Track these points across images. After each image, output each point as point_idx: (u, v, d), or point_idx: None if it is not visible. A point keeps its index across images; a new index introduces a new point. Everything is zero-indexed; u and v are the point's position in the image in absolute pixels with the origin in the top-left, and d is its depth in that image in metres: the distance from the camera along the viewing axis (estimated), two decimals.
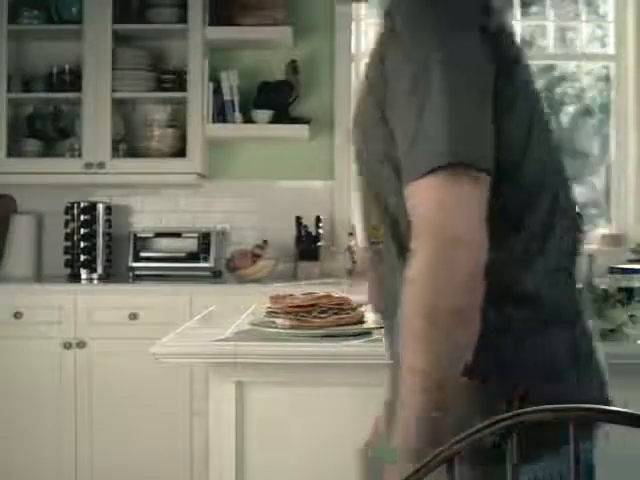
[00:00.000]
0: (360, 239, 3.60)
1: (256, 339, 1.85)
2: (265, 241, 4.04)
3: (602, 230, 4.36)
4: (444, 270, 1.05)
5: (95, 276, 3.95)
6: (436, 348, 1.06)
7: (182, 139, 3.98)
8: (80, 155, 3.94)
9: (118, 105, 4.01)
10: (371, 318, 2.07)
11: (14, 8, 3.95)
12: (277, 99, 4.04)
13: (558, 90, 4.48)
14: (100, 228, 3.98)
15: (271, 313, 1.94)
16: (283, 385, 1.90)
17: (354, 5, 4.26)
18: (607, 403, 1.22)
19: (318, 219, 4.06)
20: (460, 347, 1.07)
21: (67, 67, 4.01)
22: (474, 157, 1.09)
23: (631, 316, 1.89)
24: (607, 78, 4.42)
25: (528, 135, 1.19)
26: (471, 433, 1.03)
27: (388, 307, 1.26)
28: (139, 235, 4.03)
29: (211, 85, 3.98)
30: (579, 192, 4.46)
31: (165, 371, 3.48)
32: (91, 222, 3.96)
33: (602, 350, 1.42)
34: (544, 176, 1.21)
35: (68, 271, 3.97)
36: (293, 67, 4.07)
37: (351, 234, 4.09)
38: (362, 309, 1.98)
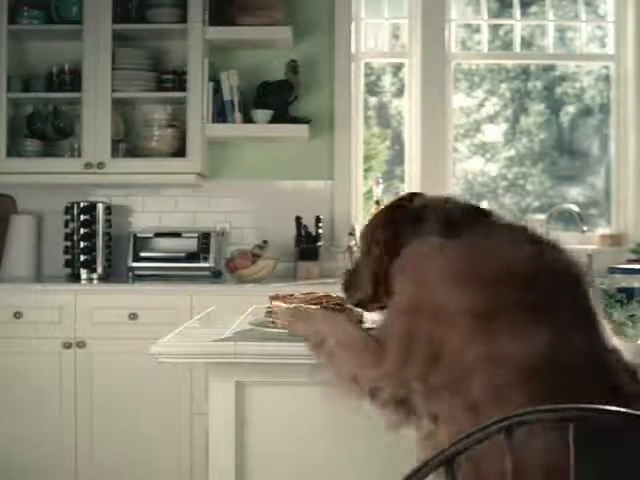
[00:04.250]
0: None
1: (256, 339, 1.85)
2: (265, 241, 4.04)
3: (602, 230, 4.36)
4: None
5: (95, 276, 3.95)
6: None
7: (182, 139, 3.98)
8: (80, 155, 3.94)
9: (118, 105, 4.01)
10: (370, 318, 2.07)
11: (14, 8, 3.95)
12: (277, 99, 4.04)
13: (558, 90, 4.49)
14: (100, 228, 3.98)
15: (271, 313, 1.94)
16: (283, 385, 1.89)
17: (354, 5, 4.26)
18: None
19: (318, 219, 4.06)
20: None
21: (67, 67, 4.01)
22: None
23: (631, 316, 1.89)
24: (607, 78, 4.43)
25: None
26: (471, 433, 1.03)
27: None
28: (139, 235, 4.03)
29: (211, 85, 3.98)
30: (579, 192, 4.46)
31: (165, 371, 3.48)
32: (91, 222, 3.96)
33: None
34: None
35: (68, 271, 3.97)
36: (293, 67, 4.07)
37: (351, 234, 4.09)
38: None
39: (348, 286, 1.78)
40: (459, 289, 1.38)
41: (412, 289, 1.46)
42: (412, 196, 1.67)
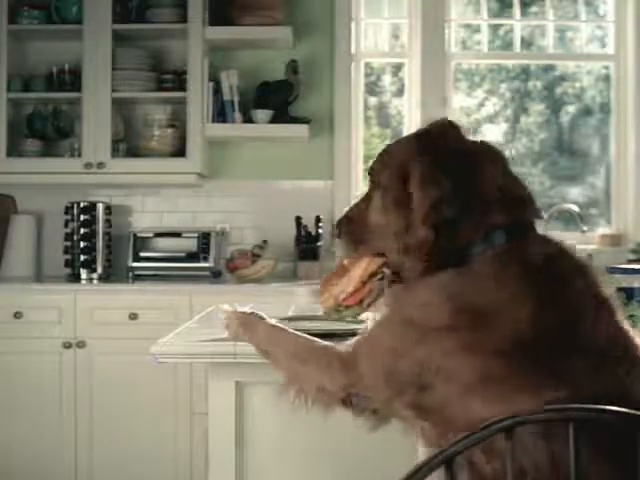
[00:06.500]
0: None
1: None
2: (265, 241, 4.04)
3: (602, 230, 4.36)
4: None
5: (95, 276, 3.95)
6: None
7: (182, 139, 3.98)
8: (80, 155, 3.94)
9: (118, 105, 4.01)
10: (370, 317, 2.06)
11: (14, 8, 3.95)
12: (277, 99, 4.03)
13: (558, 90, 4.49)
14: (100, 228, 3.98)
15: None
16: None
17: (354, 5, 4.26)
18: None
19: (318, 219, 4.06)
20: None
21: (67, 67, 4.01)
22: None
23: (631, 316, 1.89)
24: (607, 78, 4.42)
25: None
26: (471, 433, 1.03)
27: None
28: (139, 235, 4.03)
29: (211, 85, 3.98)
30: (579, 192, 4.46)
31: (165, 371, 3.48)
32: (91, 222, 3.96)
33: None
34: None
35: (68, 271, 3.97)
36: (293, 67, 4.07)
37: None
38: None
39: (349, 232, 1.54)
40: (473, 334, 1.26)
41: (419, 311, 1.34)
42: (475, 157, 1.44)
